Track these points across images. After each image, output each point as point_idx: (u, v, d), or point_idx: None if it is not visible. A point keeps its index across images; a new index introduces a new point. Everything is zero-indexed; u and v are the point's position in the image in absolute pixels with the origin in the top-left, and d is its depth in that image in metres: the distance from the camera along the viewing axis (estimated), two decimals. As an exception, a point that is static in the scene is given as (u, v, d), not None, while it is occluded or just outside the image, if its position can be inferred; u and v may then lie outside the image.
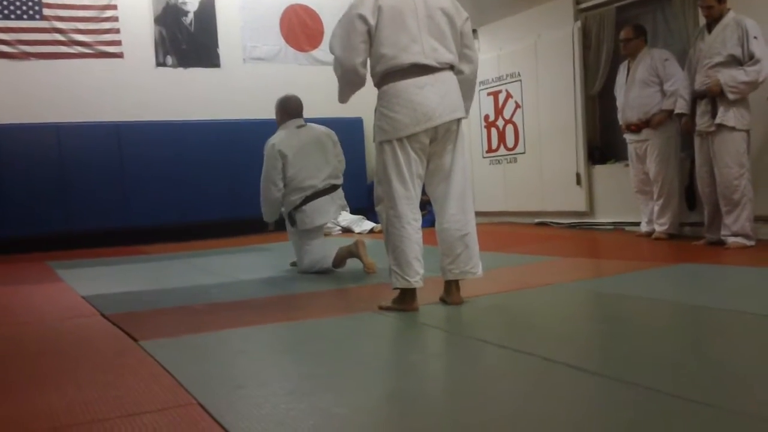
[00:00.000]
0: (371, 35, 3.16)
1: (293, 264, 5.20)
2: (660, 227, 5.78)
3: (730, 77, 4.85)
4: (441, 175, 3.28)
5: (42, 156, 7.98)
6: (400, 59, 3.13)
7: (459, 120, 3.26)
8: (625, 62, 6.12)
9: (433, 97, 3.13)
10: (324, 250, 4.87)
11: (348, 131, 9.16)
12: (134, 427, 1.80)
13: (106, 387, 2.22)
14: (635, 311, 3.16)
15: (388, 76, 3.17)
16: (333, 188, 4.94)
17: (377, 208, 3.30)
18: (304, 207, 4.79)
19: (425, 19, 3.17)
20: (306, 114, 5.10)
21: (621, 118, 6.13)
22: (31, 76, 8.26)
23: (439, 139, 3.21)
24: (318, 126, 5.08)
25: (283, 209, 4.98)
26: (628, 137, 6.09)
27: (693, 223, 5.79)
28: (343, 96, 3.40)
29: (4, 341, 3.17)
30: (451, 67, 3.25)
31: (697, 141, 5.23)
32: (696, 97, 5.12)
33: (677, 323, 2.91)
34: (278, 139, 4.88)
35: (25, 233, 7.76)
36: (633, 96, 5.92)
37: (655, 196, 5.85)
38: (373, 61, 3.21)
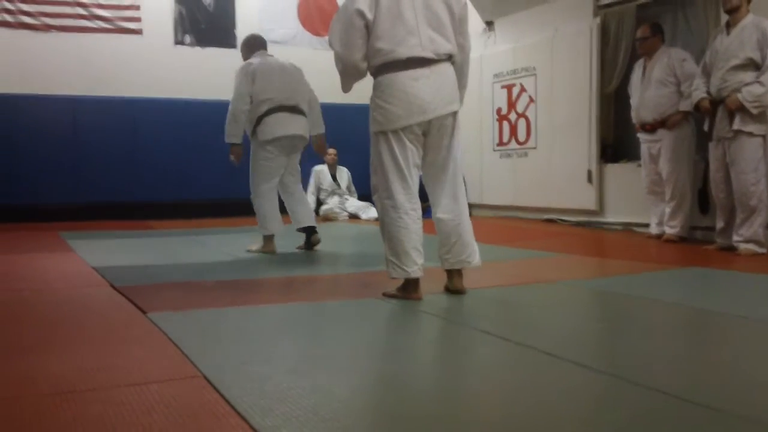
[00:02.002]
0: (369, 29, 3.13)
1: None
2: (671, 229, 5.74)
3: (749, 93, 4.79)
4: (436, 167, 3.29)
5: (57, 127, 8.08)
6: (397, 53, 3.10)
7: (455, 113, 3.24)
8: (641, 61, 6.08)
9: (427, 89, 3.11)
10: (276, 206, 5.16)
11: (357, 118, 9.14)
12: (140, 397, 1.83)
13: (113, 356, 2.27)
14: (641, 312, 3.15)
15: (385, 67, 3.14)
16: (296, 110, 5.08)
17: (373, 198, 3.29)
18: (266, 118, 4.98)
19: (423, 10, 3.13)
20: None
21: (635, 117, 6.09)
22: (52, 48, 8.32)
23: (433, 132, 3.20)
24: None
25: (247, 130, 5.16)
26: (641, 136, 6.05)
27: (705, 227, 5.73)
28: (346, 86, 3.39)
29: (16, 306, 3.23)
30: (450, 57, 3.22)
31: (711, 146, 5.18)
32: (714, 104, 5.07)
33: (683, 325, 2.91)
34: (251, 61, 5.15)
35: (38, 202, 7.85)
36: (649, 96, 5.88)
37: (667, 198, 5.80)
38: (370, 54, 3.17)
